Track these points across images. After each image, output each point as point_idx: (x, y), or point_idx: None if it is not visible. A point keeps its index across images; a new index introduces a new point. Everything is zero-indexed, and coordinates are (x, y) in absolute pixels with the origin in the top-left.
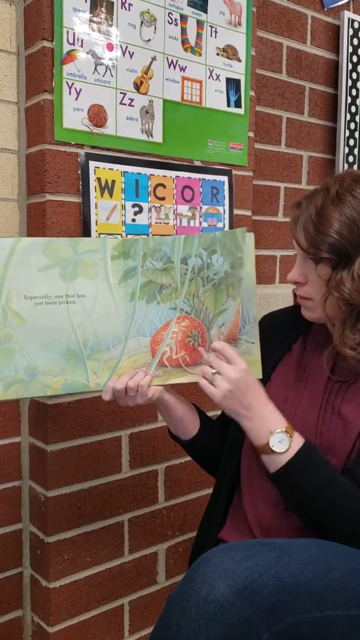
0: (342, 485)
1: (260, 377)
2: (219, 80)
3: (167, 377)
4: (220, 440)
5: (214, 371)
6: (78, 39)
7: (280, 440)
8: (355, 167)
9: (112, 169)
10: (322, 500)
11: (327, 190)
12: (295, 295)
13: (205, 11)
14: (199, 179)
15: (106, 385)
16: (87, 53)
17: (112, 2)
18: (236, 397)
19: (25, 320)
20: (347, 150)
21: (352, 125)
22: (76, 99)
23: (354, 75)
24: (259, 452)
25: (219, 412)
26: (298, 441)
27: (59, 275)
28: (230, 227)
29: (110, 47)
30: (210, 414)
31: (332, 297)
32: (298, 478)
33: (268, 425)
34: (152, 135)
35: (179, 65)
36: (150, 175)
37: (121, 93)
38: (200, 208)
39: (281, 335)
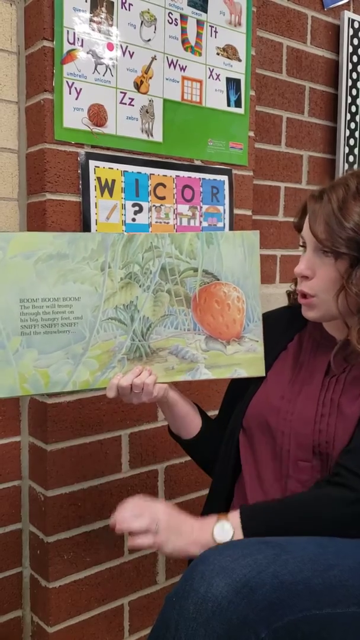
0: (303, 507)
1: (263, 374)
2: (219, 80)
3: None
4: (220, 441)
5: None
6: (78, 39)
7: (221, 528)
8: (355, 166)
9: (112, 169)
10: (295, 529)
11: (346, 185)
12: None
13: (205, 11)
14: (199, 178)
15: (111, 382)
16: (88, 53)
17: (112, 2)
18: (175, 532)
19: None
20: (347, 150)
21: (352, 125)
22: (76, 99)
23: (354, 75)
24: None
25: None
26: (234, 517)
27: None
28: (231, 227)
29: (110, 46)
30: (209, 413)
31: (344, 293)
32: (263, 531)
33: (206, 528)
34: (152, 135)
35: (179, 64)
36: (151, 174)
37: (121, 92)
38: (201, 207)
39: (277, 334)
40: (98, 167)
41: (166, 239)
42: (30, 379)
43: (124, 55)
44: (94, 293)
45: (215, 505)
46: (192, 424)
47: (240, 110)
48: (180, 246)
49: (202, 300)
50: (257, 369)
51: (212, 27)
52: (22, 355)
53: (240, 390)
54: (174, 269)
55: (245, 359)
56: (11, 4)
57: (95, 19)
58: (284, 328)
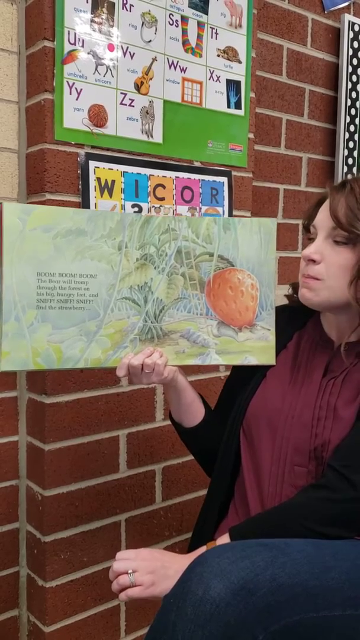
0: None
1: (274, 363)
2: (219, 82)
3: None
4: (220, 433)
5: (130, 571)
6: (79, 39)
7: None
8: (354, 169)
9: (112, 169)
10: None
11: None
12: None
13: (206, 12)
14: (199, 179)
15: (122, 361)
16: (88, 53)
17: (113, 3)
18: (162, 576)
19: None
20: (346, 152)
21: (352, 128)
22: (77, 99)
23: (354, 78)
24: None
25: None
26: (224, 540)
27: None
28: None
29: (111, 47)
30: None
31: (357, 282)
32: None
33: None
34: (152, 136)
35: (180, 66)
36: (150, 175)
37: (122, 93)
38: (200, 209)
39: (277, 332)
40: (98, 167)
41: (183, 222)
42: (43, 354)
43: (124, 56)
44: (110, 271)
45: (215, 503)
46: (196, 412)
47: (240, 112)
48: (197, 230)
49: (216, 286)
50: (267, 357)
51: (212, 28)
52: (36, 329)
53: (240, 384)
54: (189, 253)
55: (257, 346)
56: (12, 4)
57: (96, 19)
58: (283, 326)
